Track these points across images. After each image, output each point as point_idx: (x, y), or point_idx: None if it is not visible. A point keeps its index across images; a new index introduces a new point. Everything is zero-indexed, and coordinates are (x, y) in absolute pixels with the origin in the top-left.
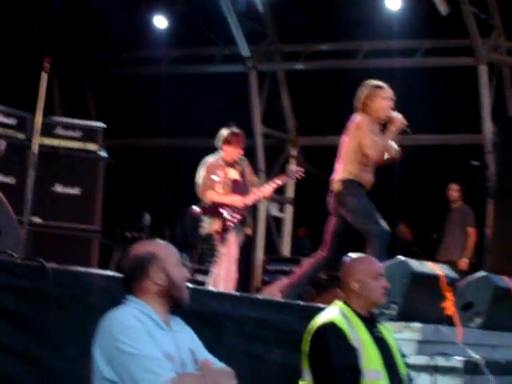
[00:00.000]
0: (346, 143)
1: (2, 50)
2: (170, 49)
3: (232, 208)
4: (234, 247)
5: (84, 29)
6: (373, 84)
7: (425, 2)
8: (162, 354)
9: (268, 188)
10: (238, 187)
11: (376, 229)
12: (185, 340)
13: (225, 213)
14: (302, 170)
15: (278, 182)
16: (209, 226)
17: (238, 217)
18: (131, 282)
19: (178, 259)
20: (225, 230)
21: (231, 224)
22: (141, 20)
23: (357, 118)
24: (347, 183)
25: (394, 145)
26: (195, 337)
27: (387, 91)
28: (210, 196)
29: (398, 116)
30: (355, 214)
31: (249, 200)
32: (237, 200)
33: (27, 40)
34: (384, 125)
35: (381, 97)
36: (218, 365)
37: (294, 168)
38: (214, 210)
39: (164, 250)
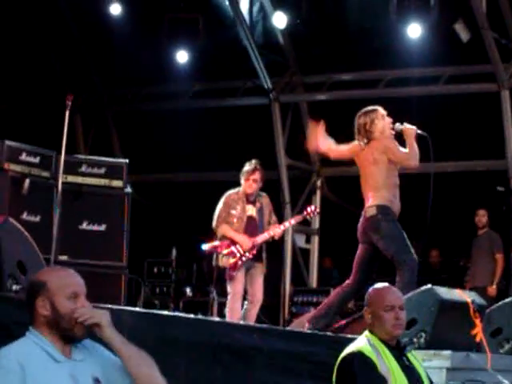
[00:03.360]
0: (374, 172)
1: (25, 89)
2: (192, 83)
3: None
4: (240, 285)
5: (106, 65)
6: (364, 111)
7: (445, 29)
8: None
9: (280, 229)
10: (253, 224)
11: (409, 258)
12: (87, 369)
13: (235, 251)
14: (317, 210)
15: (292, 221)
16: (220, 261)
17: (249, 256)
18: (28, 310)
19: (74, 291)
20: (234, 267)
21: (240, 262)
22: (162, 55)
23: (374, 146)
24: (382, 209)
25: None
26: (109, 362)
27: (381, 111)
28: (223, 230)
29: (407, 126)
30: (389, 241)
31: (259, 239)
32: (245, 242)
33: (50, 78)
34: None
35: (378, 118)
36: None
37: (309, 208)
38: (225, 246)
39: (56, 280)
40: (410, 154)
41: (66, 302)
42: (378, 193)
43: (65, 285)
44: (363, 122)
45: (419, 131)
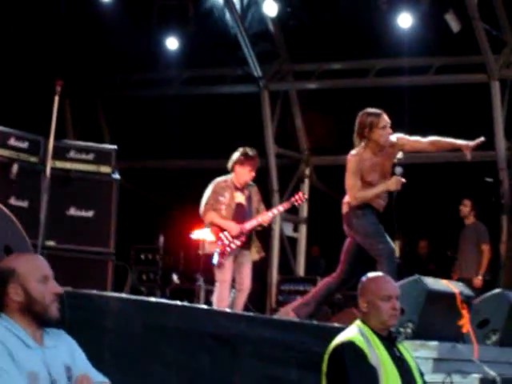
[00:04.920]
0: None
1: (14, 74)
2: (182, 70)
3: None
4: (228, 273)
5: (95, 51)
6: (369, 113)
7: (436, 19)
8: (25, 374)
9: (268, 216)
10: (242, 212)
11: (383, 248)
12: (59, 356)
13: (223, 237)
14: (305, 196)
15: (280, 208)
16: (208, 248)
17: (238, 243)
18: None
19: (44, 274)
20: (222, 254)
21: (228, 249)
22: (152, 42)
23: (347, 158)
24: (353, 205)
25: (395, 179)
26: (77, 351)
27: (384, 119)
28: (210, 217)
29: (396, 180)
30: (362, 235)
31: (248, 226)
32: (233, 228)
33: (39, 63)
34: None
35: (379, 127)
36: (99, 379)
37: (296, 195)
38: (213, 233)
39: (25, 266)
40: (359, 194)
41: (38, 285)
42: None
43: (34, 269)
44: (362, 124)
45: (395, 192)
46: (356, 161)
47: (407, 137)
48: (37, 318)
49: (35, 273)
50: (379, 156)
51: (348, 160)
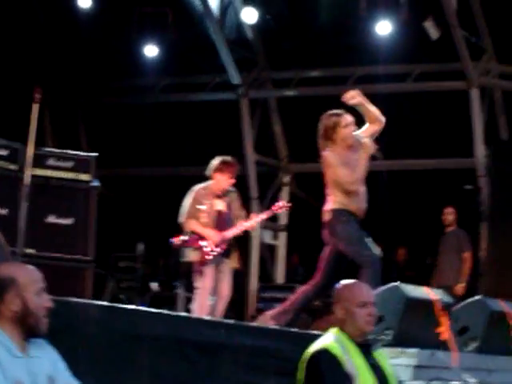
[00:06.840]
0: (328, 176)
1: None
2: (161, 77)
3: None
4: (209, 281)
5: (75, 58)
6: (331, 114)
7: (415, 26)
8: (11, 381)
9: (250, 223)
10: (222, 219)
11: (367, 255)
12: (43, 366)
13: (204, 245)
14: (288, 204)
15: (263, 216)
16: (189, 256)
17: (218, 250)
18: None
19: (41, 287)
20: (203, 262)
21: (210, 257)
22: (131, 49)
23: (324, 156)
24: (336, 213)
25: (369, 144)
26: (59, 362)
27: (347, 118)
28: (191, 225)
29: (367, 142)
30: (346, 242)
31: (229, 234)
32: (212, 236)
33: (18, 71)
34: None
35: (341, 126)
36: None
37: (279, 203)
38: (194, 241)
39: (25, 276)
40: (352, 177)
41: (35, 297)
42: (332, 196)
43: (34, 280)
44: (325, 125)
45: (376, 153)
46: (333, 155)
47: (362, 129)
48: (28, 329)
49: (34, 285)
50: (350, 154)
51: (324, 157)
